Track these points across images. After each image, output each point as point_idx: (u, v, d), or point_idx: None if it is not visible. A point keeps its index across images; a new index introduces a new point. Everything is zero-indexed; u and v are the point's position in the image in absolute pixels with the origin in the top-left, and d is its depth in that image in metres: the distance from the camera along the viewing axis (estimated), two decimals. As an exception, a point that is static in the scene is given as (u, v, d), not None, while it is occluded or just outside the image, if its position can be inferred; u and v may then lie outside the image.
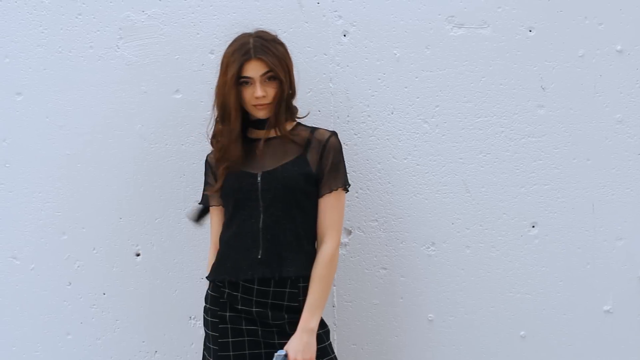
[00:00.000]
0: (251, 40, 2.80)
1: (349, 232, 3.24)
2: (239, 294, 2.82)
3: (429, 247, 3.24)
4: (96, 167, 3.27)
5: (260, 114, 2.84)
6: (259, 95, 2.79)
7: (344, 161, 2.90)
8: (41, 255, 3.32)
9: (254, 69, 2.78)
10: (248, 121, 2.90)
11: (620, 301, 3.25)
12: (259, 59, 2.78)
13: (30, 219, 3.31)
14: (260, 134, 2.88)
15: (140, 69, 3.23)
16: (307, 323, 2.77)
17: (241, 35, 2.84)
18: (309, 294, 2.80)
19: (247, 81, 2.80)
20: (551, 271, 3.24)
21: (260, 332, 2.81)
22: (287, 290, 2.81)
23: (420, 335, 3.27)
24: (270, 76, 2.80)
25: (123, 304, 3.32)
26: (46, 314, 3.34)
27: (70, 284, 3.32)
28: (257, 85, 2.79)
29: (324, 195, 2.86)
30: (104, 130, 3.26)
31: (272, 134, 2.88)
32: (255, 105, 2.82)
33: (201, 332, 3.18)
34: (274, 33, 2.88)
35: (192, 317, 3.30)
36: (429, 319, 3.27)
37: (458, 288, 3.25)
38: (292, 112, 2.91)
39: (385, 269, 3.26)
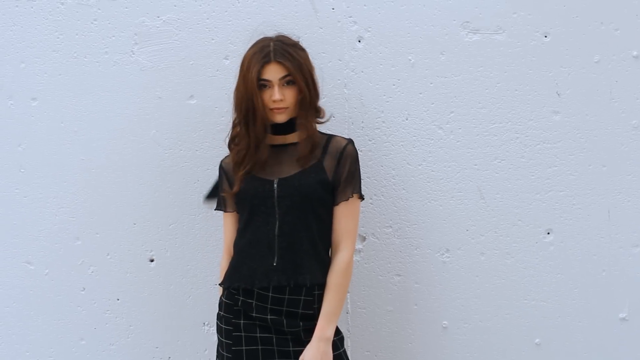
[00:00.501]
0: (272, 44, 2.80)
1: (363, 239, 3.23)
2: (254, 302, 2.82)
3: (443, 254, 3.23)
4: (110, 173, 3.28)
5: (278, 117, 2.83)
6: (276, 98, 2.78)
7: (359, 170, 2.90)
8: (55, 261, 3.32)
9: (273, 72, 2.78)
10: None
11: (636, 308, 3.23)
12: (279, 62, 2.78)
13: (45, 224, 3.32)
14: (277, 139, 2.88)
15: (155, 75, 3.24)
16: (324, 332, 2.77)
17: (262, 38, 2.85)
18: (325, 302, 2.80)
19: (266, 84, 2.80)
20: (566, 278, 3.22)
21: (274, 340, 2.80)
22: (302, 297, 2.81)
23: (435, 342, 3.26)
24: (289, 80, 2.80)
25: (137, 309, 3.32)
26: (60, 319, 3.34)
27: (84, 289, 3.33)
28: (276, 88, 2.79)
29: (339, 203, 2.86)
30: (118, 136, 3.26)
31: (292, 139, 2.87)
32: (272, 109, 2.82)
33: (214, 339, 3.18)
34: (295, 38, 2.88)
35: (206, 323, 3.30)
36: (444, 326, 3.25)
37: (473, 295, 3.24)
38: (318, 113, 2.91)
39: (399, 275, 3.25)
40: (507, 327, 3.24)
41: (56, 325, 3.35)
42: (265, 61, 2.78)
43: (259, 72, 2.77)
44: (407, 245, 3.23)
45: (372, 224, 3.23)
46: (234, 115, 2.87)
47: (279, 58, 2.78)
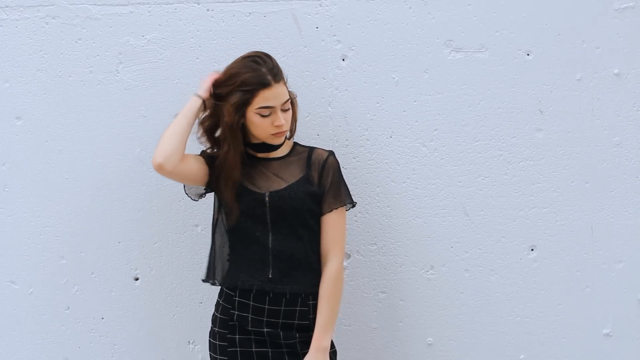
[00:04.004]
0: (264, 68, 2.77)
1: (348, 256, 3.24)
2: (250, 315, 2.82)
3: (428, 271, 3.24)
4: (95, 191, 3.27)
5: (278, 140, 2.86)
6: (281, 123, 2.79)
7: (343, 179, 2.93)
8: (40, 280, 3.31)
9: (276, 99, 2.78)
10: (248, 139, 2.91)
11: (620, 324, 3.24)
12: (279, 83, 2.78)
13: (29, 243, 3.30)
14: (262, 154, 2.90)
15: (139, 93, 3.24)
16: (320, 342, 2.80)
17: (254, 60, 2.81)
18: (319, 313, 2.82)
19: (267, 112, 2.79)
20: (550, 294, 3.23)
21: (270, 354, 2.81)
22: (298, 308, 2.83)
23: (420, 359, 3.26)
24: (288, 105, 2.83)
25: (121, 328, 3.31)
26: (44, 339, 3.33)
27: (69, 308, 3.32)
28: (279, 114, 2.79)
29: (325, 214, 2.88)
30: (103, 155, 3.26)
31: (278, 153, 2.90)
32: (274, 134, 2.82)
33: (200, 357, 3.18)
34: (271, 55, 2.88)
35: (191, 341, 3.30)
36: (428, 342, 3.26)
37: (457, 312, 3.24)
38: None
39: (384, 292, 3.25)
40: (492, 344, 3.25)
41: (40, 345, 3.33)
42: (265, 86, 2.76)
43: (259, 100, 2.76)
44: (392, 262, 3.24)
45: (356, 241, 3.23)
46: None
47: (279, 79, 2.79)
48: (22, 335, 3.34)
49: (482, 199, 3.21)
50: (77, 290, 3.31)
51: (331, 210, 2.88)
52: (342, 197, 2.90)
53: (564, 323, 3.24)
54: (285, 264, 2.83)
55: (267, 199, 2.83)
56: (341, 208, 2.90)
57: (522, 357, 3.25)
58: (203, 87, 2.85)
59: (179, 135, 2.80)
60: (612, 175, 3.21)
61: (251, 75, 2.76)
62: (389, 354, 3.27)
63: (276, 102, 2.78)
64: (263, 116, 2.78)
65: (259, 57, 2.81)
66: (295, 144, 2.97)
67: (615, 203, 3.21)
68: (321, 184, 2.88)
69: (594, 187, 3.21)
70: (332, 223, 2.88)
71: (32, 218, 3.30)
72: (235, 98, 2.76)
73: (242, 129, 2.86)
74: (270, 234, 2.83)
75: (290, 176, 2.87)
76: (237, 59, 2.85)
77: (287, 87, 2.83)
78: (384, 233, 3.23)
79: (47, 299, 3.32)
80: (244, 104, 2.76)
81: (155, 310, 3.30)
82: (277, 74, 2.78)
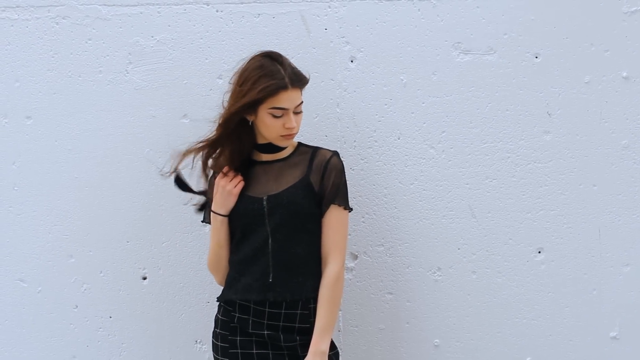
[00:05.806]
0: (283, 70, 2.78)
1: (355, 257, 3.24)
2: (250, 318, 2.83)
3: (435, 272, 3.24)
4: (104, 191, 3.29)
5: (286, 142, 2.86)
6: (293, 125, 2.80)
7: (345, 181, 2.90)
8: (48, 278, 3.33)
9: (290, 100, 2.78)
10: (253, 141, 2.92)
11: (627, 327, 3.24)
12: (296, 89, 2.79)
13: (38, 241, 3.32)
14: (265, 156, 2.90)
15: (148, 94, 3.26)
16: (318, 346, 2.78)
17: (270, 62, 2.81)
18: (318, 317, 2.81)
19: (280, 113, 2.79)
20: (557, 297, 3.23)
21: (271, 356, 2.81)
22: (299, 312, 2.83)
23: (426, 360, 3.27)
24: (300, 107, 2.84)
25: (129, 327, 3.32)
26: (52, 337, 3.34)
27: (77, 306, 3.33)
28: (291, 116, 2.79)
29: (324, 215, 2.87)
30: (112, 154, 3.28)
31: (281, 155, 2.91)
32: (284, 136, 2.83)
33: (207, 356, 3.19)
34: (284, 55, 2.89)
35: (198, 340, 3.31)
36: (435, 344, 3.26)
37: (464, 313, 3.25)
38: None
39: (391, 293, 3.26)
40: (498, 346, 3.25)
41: (48, 343, 3.35)
42: (283, 88, 2.76)
43: (274, 100, 2.76)
44: (399, 263, 3.24)
45: (364, 242, 3.24)
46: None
47: (296, 85, 2.79)
48: (31, 334, 3.35)
49: (490, 201, 3.22)
50: (85, 289, 3.33)
51: (330, 212, 2.86)
52: (341, 198, 2.87)
53: (571, 326, 3.24)
54: (286, 269, 2.82)
55: (264, 203, 2.84)
56: (341, 211, 2.87)
57: (528, 359, 3.25)
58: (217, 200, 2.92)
59: (217, 259, 2.95)
60: (620, 178, 3.21)
61: (271, 78, 2.76)
62: (395, 355, 3.27)
63: (290, 105, 2.79)
64: (275, 117, 2.79)
65: (278, 57, 2.83)
66: (300, 144, 2.97)
67: (623, 206, 3.21)
68: (322, 185, 2.86)
69: (602, 189, 3.21)
70: (332, 225, 2.86)
71: (41, 217, 3.32)
72: (250, 95, 2.76)
73: (251, 130, 2.88)
74: (270, 238, 2.83)
75: (290, 178, 2.87)
76: (256, 56, 2.85)
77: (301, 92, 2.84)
78: (392, 234, 3.24)
79: (56, 297, 3.33)
80: (258, 102, 2.77)
81: (163, 310, 3.31)
82: (294, 80, 2.78)
